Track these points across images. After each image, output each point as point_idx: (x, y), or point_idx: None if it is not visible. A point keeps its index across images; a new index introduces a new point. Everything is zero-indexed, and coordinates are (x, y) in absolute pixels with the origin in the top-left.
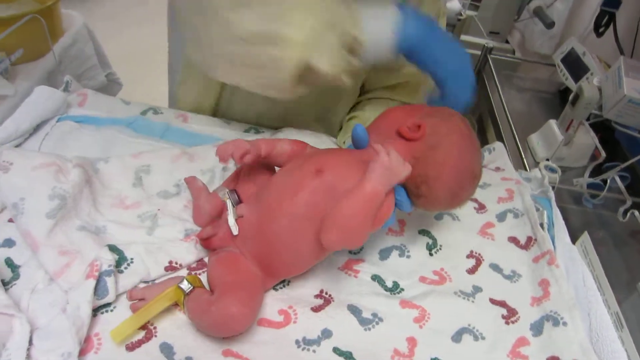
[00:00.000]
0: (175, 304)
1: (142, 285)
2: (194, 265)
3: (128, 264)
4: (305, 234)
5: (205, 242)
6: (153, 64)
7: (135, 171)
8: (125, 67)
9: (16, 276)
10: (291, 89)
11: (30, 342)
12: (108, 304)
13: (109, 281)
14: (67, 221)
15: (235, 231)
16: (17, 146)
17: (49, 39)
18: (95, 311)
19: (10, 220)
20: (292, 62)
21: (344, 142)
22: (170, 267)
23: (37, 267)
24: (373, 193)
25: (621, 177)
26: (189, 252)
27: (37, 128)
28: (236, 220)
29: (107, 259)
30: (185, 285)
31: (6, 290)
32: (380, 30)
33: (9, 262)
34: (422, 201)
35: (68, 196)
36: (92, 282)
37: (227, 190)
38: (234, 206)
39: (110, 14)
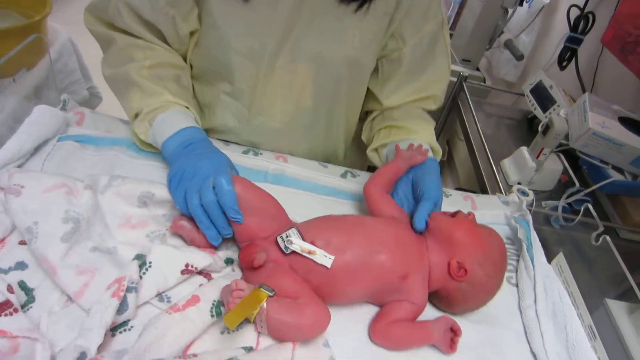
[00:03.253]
0: None
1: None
2: (208, 270)
3: (147, 269)
4: (361, 300)
5: (247, 266)
6: None
7: (138, 196)
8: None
9: (31, 299)
10: None
11: None
12: (126, 323)
13: (130, 297)
14: (80, 243)
15: (329, 264)
16: (19, 167)
17: (47, 53)
18: (114, 330)
19: (22, 243)
20: None
21: (380, 151)
22: (186, 271)
23: (51, 289)
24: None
25: (582, 201)
26: (204, 258)
27: (37, 148)
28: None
29: (134, 278)
30: (268, 290)
31: (23, 313)
32: None
33: (23, 285)
34: (434, 302)
35: (81, 219)
36: (116, 302)
37: (295, 227)
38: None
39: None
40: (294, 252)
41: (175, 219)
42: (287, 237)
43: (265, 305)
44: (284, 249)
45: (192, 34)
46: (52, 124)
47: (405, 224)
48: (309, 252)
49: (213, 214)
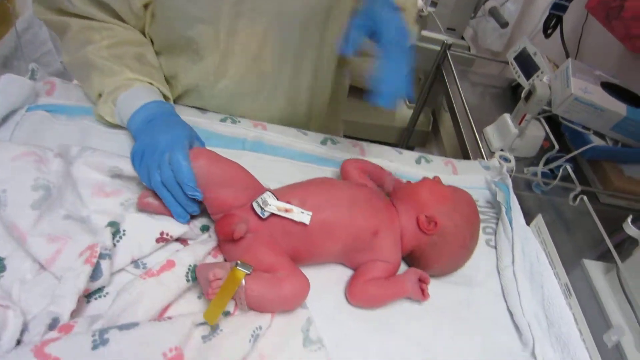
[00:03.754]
0: None
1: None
2: (184, 237)
3: (120, 237)
4: (337, 259)
5: (227, 238)
6: None
7: (108, 170)
8: None
9: (1, 268)
10: None
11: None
12: (100, 289)
13: (104, 264)
14: (52, 211)
15: (308, 221)
16: None
17: (13, 22)
18: (88, 297)
19: None
20: None
21: None
22: (162, 239)
23: (23, 258)
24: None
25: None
26: (179, 226)
27: (5, 118)
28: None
29: (108, 244)
30: (245, 267)
31: None
32: None
33: None
34: (413, 266)
35: (52, 187)
36: (89, 269)
37: (268, 191)
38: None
39: None
40: (271, 216)
41: (142, 196)
42: (262, 201)
43: (243, 283)
44: (260, 214)
45: (146, 7)
46: (20, 93)
47: (377, 192)
48: (286, 211)
49: (174, 191)
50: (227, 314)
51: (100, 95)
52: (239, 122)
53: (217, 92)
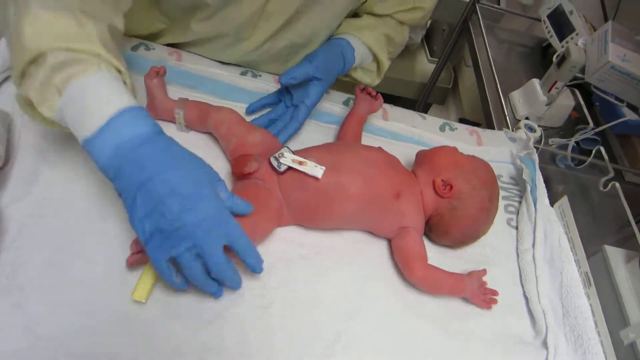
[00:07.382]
0: None
1: None
2: None
3: None
4: (354, 225)
5: (238, 171)
6: None
7: None
8: None
9: None
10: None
11: None
12: None
13: None
14: None
15: (320, 175)
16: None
17: None
18: None
19: None
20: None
21: None
22: None
23: None
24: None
25: (592, 140)
26: None
27: None
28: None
29: None
30: None
31: None
32: None
33: None
34: (432, 235)
35: None
36: None
37: (287, 147)
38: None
39: None
40: (288, 170)
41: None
42: (279, 155)
43: None
44: (277, 167)
45: None
46: None
47: (395, 158)
48: (300, 164)
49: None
50: None
51: (34, 61)
52: (260, 76)
53: (233, 53)
